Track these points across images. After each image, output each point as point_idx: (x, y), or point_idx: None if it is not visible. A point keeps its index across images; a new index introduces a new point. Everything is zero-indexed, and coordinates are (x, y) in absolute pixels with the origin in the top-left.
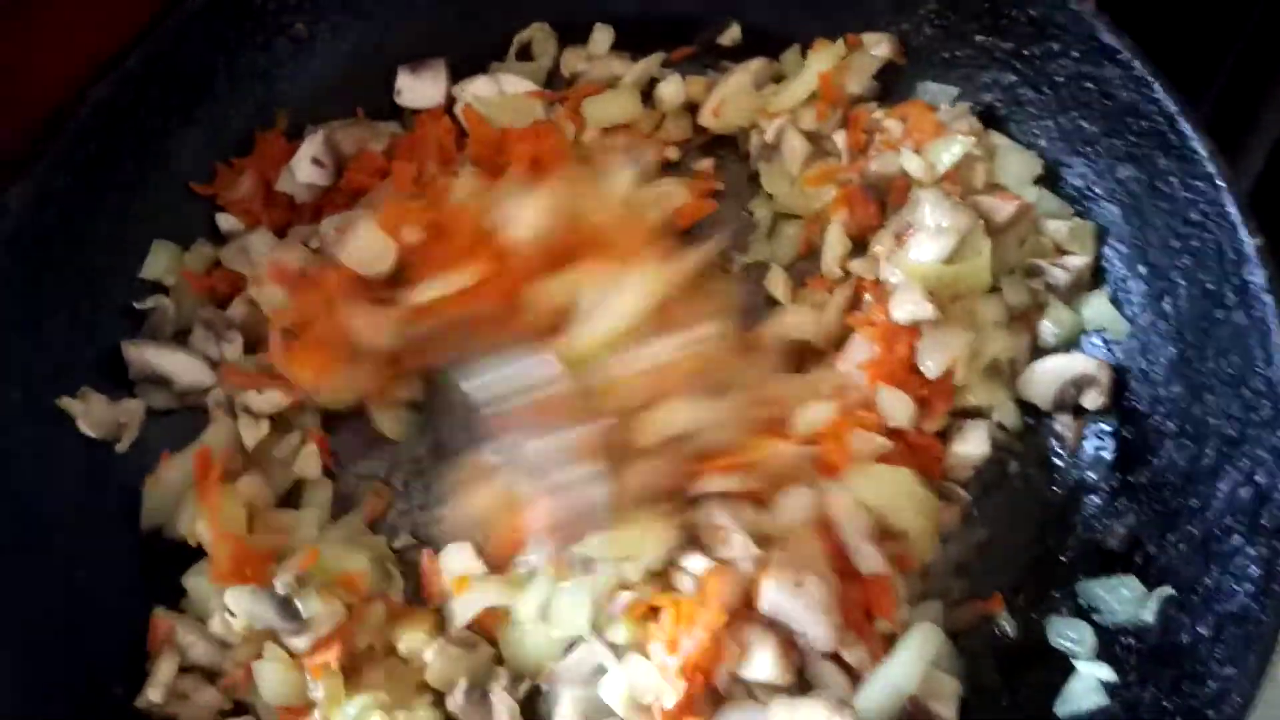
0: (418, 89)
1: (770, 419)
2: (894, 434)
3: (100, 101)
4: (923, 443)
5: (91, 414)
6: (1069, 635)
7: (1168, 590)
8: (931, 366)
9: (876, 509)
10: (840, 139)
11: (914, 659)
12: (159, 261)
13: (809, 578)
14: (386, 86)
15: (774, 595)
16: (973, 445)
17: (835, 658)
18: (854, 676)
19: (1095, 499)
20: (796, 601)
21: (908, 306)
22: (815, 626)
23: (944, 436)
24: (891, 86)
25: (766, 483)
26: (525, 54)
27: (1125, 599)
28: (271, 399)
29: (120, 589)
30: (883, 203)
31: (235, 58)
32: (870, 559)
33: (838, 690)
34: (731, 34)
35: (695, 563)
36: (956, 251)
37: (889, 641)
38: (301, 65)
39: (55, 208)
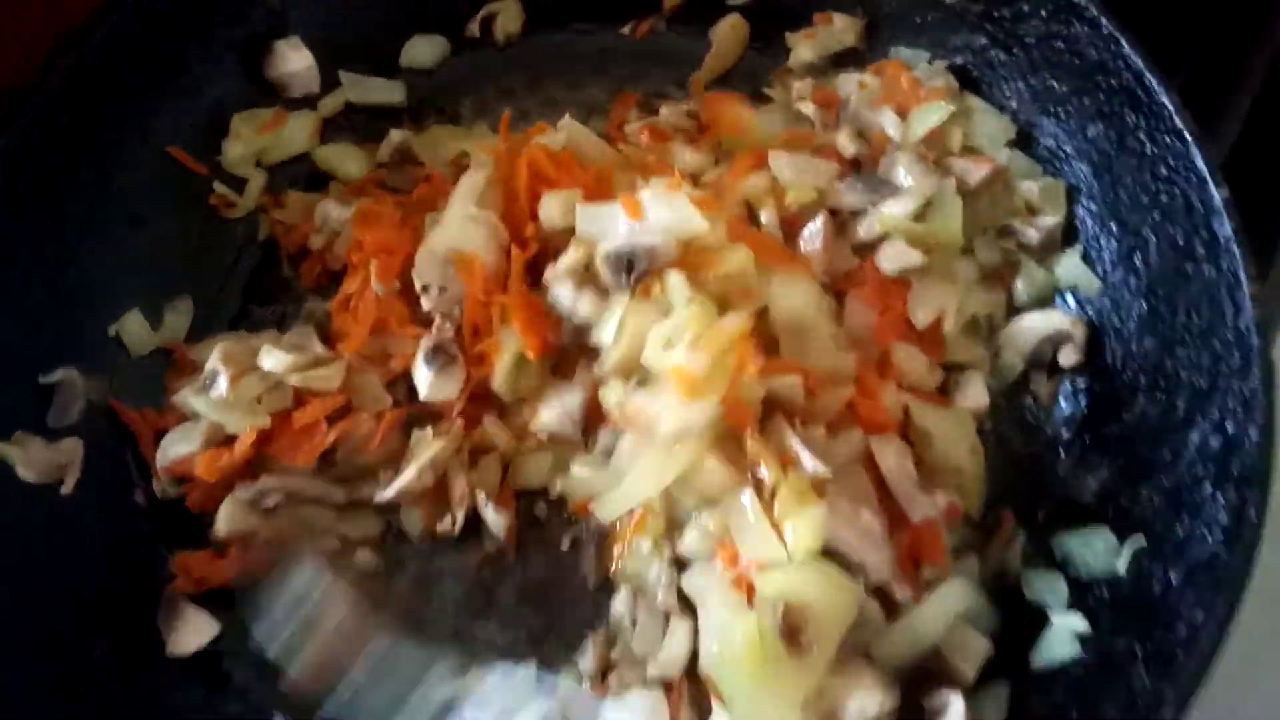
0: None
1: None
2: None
3: (71, 72)
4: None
5: (30, 457)
6: (1044, 588)
7: (1140, 541)
8: (921, 316)
9: (938, 447)
10: (810, 109)
11: (943, 610)
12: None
13: (865, 508)
14: (361, 54)
15: (833, 522)
16: (974, 397)
17: (880, 595)
18: (895, 616)
19: (1068, 455)
20: (855, 530)
21: (896, 257)
22: (872, 554)
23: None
24: (864, 54)
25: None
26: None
27: (1098, 551)
28: None
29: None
30: (857, 161)
31: (209, 28)
32: (921, 505)
33: (877, 626)
34: None
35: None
36: (929, 212)
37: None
38: (275, 35)
39: (26, 175)
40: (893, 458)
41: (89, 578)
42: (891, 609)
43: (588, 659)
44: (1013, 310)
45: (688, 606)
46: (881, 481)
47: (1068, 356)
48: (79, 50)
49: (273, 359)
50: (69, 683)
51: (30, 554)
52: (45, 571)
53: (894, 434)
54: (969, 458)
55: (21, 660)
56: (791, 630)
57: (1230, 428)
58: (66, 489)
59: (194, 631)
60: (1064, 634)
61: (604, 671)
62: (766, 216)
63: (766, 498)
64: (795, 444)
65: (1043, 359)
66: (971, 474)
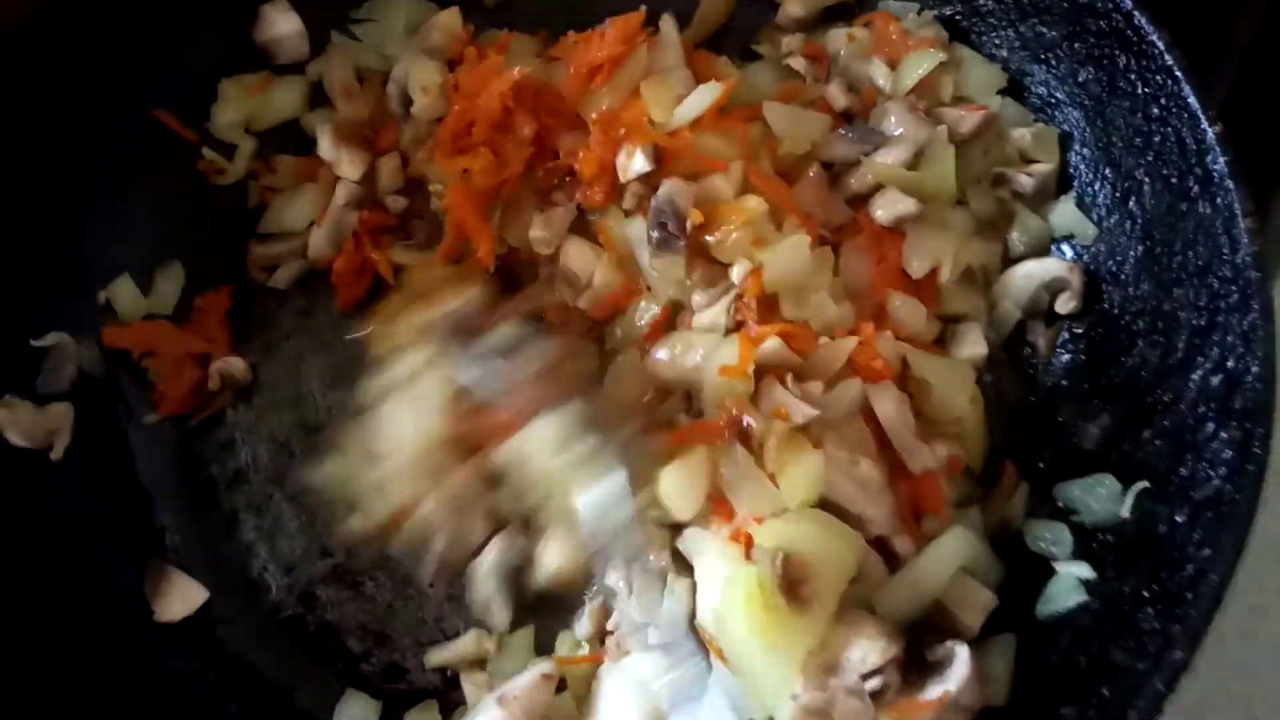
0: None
1: None
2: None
3: (57, 36)
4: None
5: (19, 422)
6: (1047, 537)
7: (1143, 484)
8: (917, 266)
9: (938, 397)
10: (800, 64)
11: (943, 561)
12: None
13: (864, 459)
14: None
15: (831, 473)
16: (970, 347)
17: (881, 547)
18: (896, 568)
19: (1069, 403)
20: (853, 480)
21: (889, 206)
22: (871, 506)
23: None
24: (853, 8)
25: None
26: None
27: (1102, 497)
28: None
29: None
30: (849, 114)
31: None
32: (921, 455)
33: (879, 578)
34: None
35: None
36: (921, 161)
37: None
38: None
39: (12, 139)
40: (891, 407)
41: (78, 544)
42: (892, 561)
43: (584, 624)
44: (1009, 261)
45: (684, 566)
46: (881, 433)
47: (1065, 303)
48: (62, 12)
49: None
50: (57, 650)
51: (18, 519)
52: (33, 537)
53: (891, 384)
54: (969, 408)
55: (8, 627)
56: (792, 583)
57: (1231, 364)
58: (56, 454)
59: (182, 598)
60: (1069, 582)
61: (601, 636)
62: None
63: (757, 449)
64: (782, 395)
65: (1040, 307)
66: (972, 424)
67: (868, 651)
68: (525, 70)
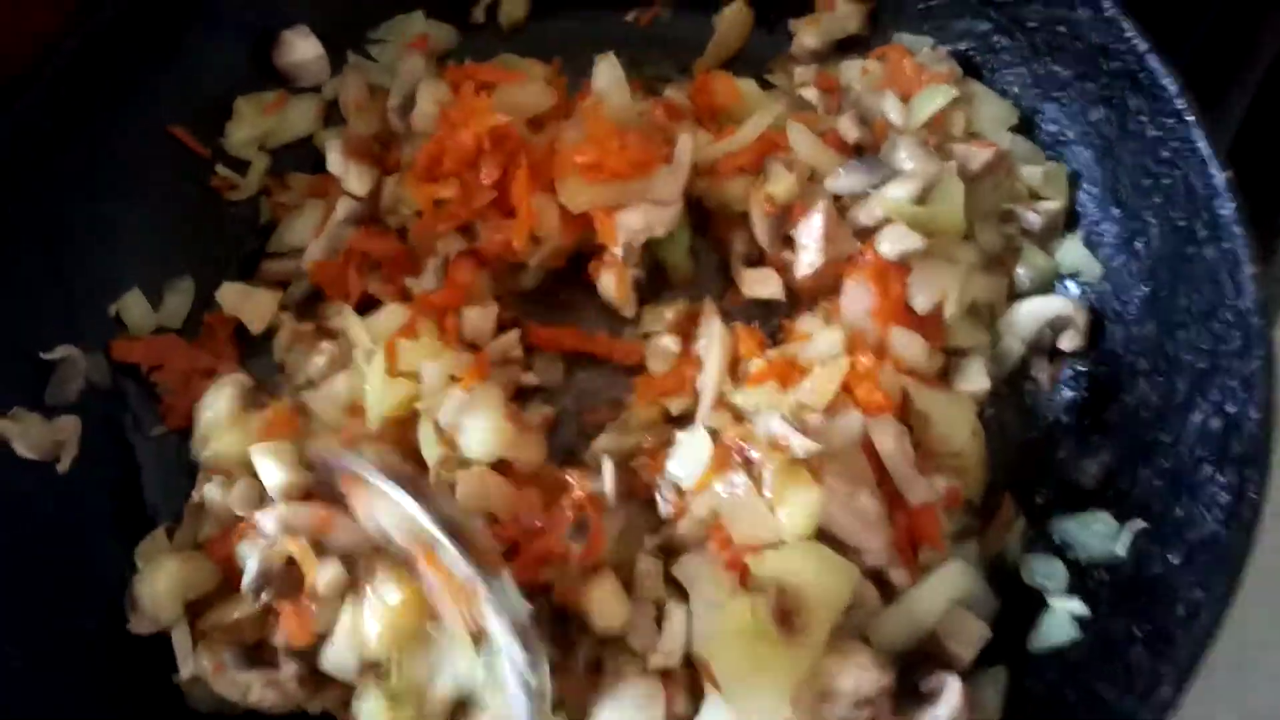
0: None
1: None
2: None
3: (75, 49)
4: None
5: (27, 433)
6: (1042, 572)
7: (1140, 523)
8: (922, 301)
9: (938, 430)
10: (813, 94)
11: (939, 594)
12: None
13: (863, 491)
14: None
15: (830, 505)
16: (974, 381)
17: (877, 578)
18: (892, 599)
19: (1069, 439)
20: (852, 513)
21: (895, 240)
22: (869, 539)
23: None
24: (867, 40)
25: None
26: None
27: (1098, 534)
28: None
29: (91, 529)
30: (860, 147)
31: (215, 7)
32: (919, 488)
33: (873, 609)
34: None
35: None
36: (930, 196)
37: None
38: (280, 16)
39: (31, 149)
40: (891, 440)
41: (84, 556)
42: (888, 592)
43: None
44: (1014, 296)
45: (679, 592)
46: (881, 465)
47: (1069, 341)
48: (83, 29)
49: None
50: (62, 660)
51: (25, 530)
52: (40, 548)
53: (891, 417)
54: (970, 441)
55: (14, 636)
56: (785, 613)
57: (1230, 408)
58: (63, 467)
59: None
60: (1062, 617)
61: (596, 663)
62: (756, 215)
63: (757, 479)
64: (781, 427)
65: (1044, 343)
66: (972, 458)
67: (860, 681)
68: (508, 120)
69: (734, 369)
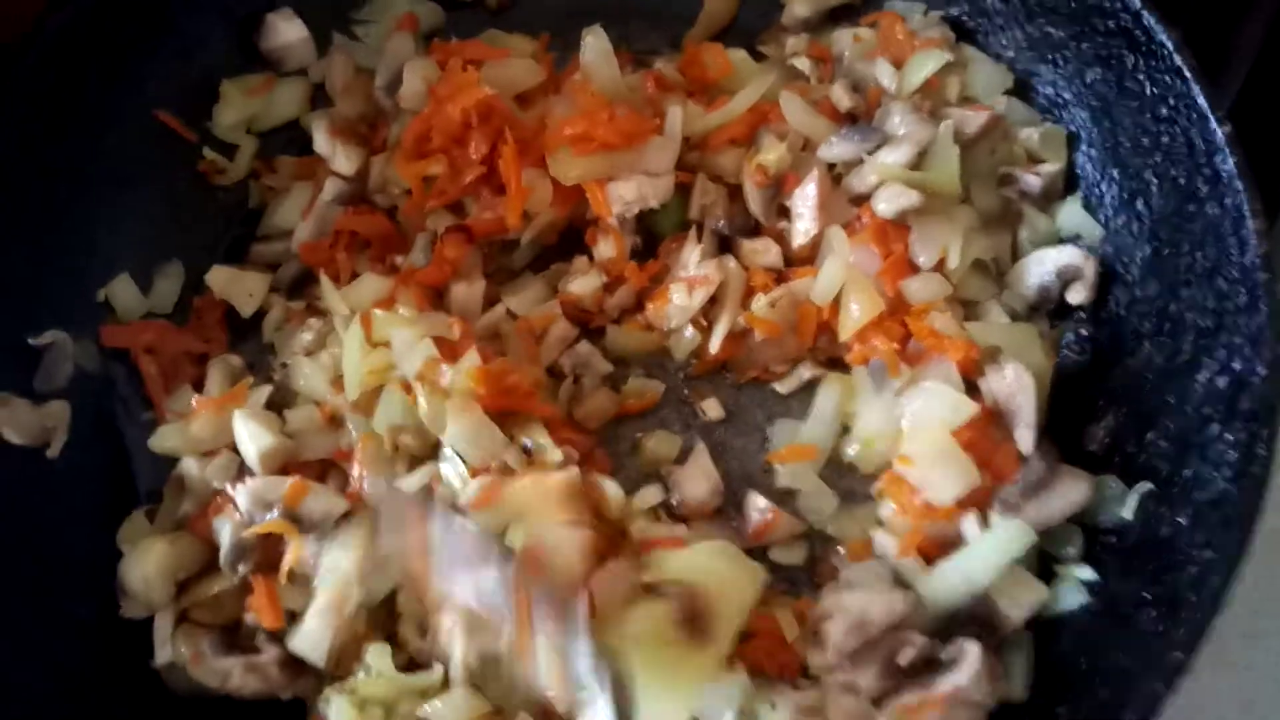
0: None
1: None
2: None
3: (60, 33)
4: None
5: (16, 419)
6: (1059, 538)
7: (1147, 486)
8: (925, 258)
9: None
10: (805, 64)
11: (997, 552)
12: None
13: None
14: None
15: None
16: (994, 318)
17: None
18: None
19: (1074, 404)
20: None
21: (891, 199)
22: (1026, 409)
23: None
24: (859, 9)
25: None
26: None
27: (1105, 499)
28: None
29: (80, 515)
30: (853, 115)
31: None
32: (1028, 441)
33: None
34: None
35: None
36: (924, 161)
37: None
38: (267, 5)
39: (16, 134)
40: (1008, 383)
41: (75, 542)
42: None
43: None
44: (1018, 258)
45: None
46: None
47: (1077, 294)
48: (66, 11)
49: None
50: (54, 647)
51: (15, 517)
52: (31, 535)
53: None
54: (1044, 364)
55: (5, 624)
56: (691, 616)
57: (1237, 365)
58: (53, 452)
59: None
60: (1072, 583)
61: None
62: (749, 186)
63: None
64: None
65: (1051, 296)
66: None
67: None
68: (494, 93)
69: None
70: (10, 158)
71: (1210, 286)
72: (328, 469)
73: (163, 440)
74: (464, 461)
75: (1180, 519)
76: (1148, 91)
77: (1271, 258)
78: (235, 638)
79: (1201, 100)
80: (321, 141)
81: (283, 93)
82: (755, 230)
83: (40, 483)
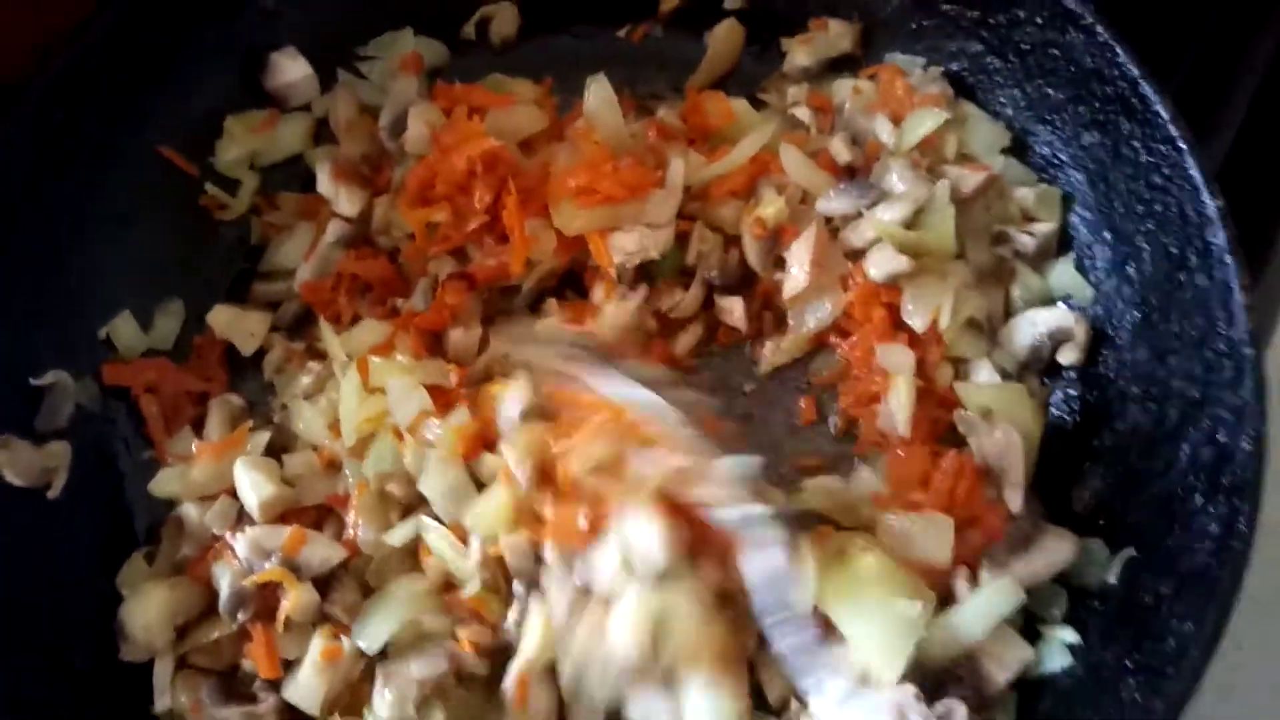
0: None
1: None
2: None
3: (63, 70)
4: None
5: (17, 461)
6: (1045, 599)
7: (1130, 552)
8: (918, 322)
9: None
10: (805, 114)
11: (990, 609)
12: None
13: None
14: (357, 56)
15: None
16: (985, 377)
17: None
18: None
19: (1060, 464)
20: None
21: (883, 264)
22: (1014, 469)
23: None
24: (860, 60)
25: None
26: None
27: (1090, 561)
28: None
29: (80, 553)
30: (851, 168)
31: (203, 28)
32: (1016, 500)
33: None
34: None
35: None
36: (921, 218)
37: None
38: (269, 36)
39: (16, 173)
40: (999, 445)
41: (74, 584)
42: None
43: None
44: (1010, 316)
45: None
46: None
47: (1068, 355)
48: (71, 48)
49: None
50: (51, 693)
51: (14, 559)
52: (29, 577)
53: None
54: (1033, 426)
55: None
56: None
57: (1222, 438)
58: (54, 493)
59: None
60: (1055, 645)
61: None
62: (747, 239)
63: None
64: None
65: (1042, 356)
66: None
67: None
68: (500, 144)
69: None
70: (13, 195)
71: (1198, 356)
72: (325, 515)
73: (163, 485)
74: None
75: (1162, 588)
76: (1142, 159)
77: (1259, 333)
78: (233, 684)
79: (1195, 172)
80: (325, 183)
81: (286, 128)
82: (750, 280)
83: (40, 524)
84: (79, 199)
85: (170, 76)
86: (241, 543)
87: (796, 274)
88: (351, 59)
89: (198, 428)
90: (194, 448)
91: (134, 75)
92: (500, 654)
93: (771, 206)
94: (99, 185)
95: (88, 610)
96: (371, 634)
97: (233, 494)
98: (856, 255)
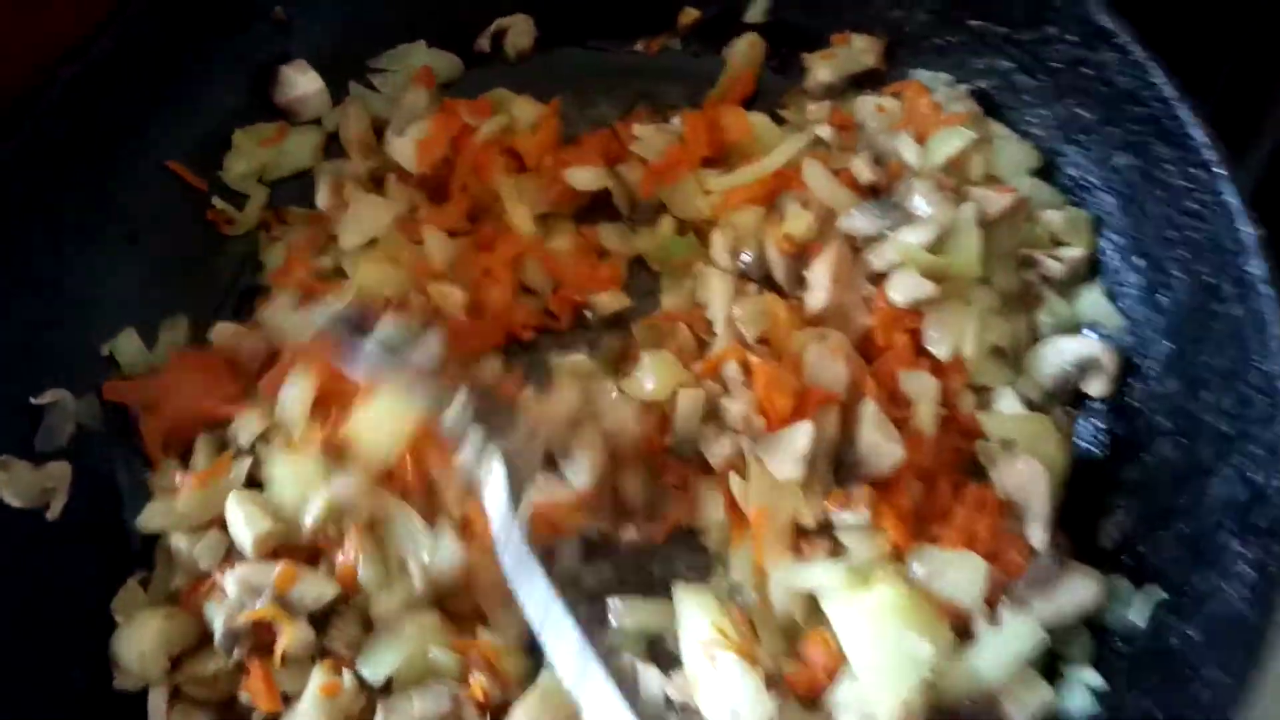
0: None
1: None
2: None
3: (71, 82)
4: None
5: (16, 482)
6: (1068, 639)
7: (1158, 592)
8: (942, 350)
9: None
10: (827, 131)
11: (1011, 649)
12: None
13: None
14: (369, 69)
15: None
16: (1008, 405)
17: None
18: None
19: (1086, 497)
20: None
21: (906, 289)
22: (1038, 503)
23: None
24: (883, 75)
25: None
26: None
27: (1114, 600)
28: None
29: (78, 575)
30: (874, 188)
31: (211, 40)
32: (1040, 536)
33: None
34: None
35: None
36: (945, 244)
37: None
38: (279, 48)
39: (23, 187)
40: (1027, 478)
41: (73, 605)
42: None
43: None
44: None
45: None
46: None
47: (1097, 386)
48: (79, 62)
49: None
50: (49, 714)
51: (12, 580)
52: (27, 598)
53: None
54: (1059, 457)
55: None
56: None
57: (1256, 477)
58: (53, 514)
59: None
60: (1078, 688)
61: None
62: (771, 253)
63: None
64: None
65: (1068, 386)
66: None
67: None
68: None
69: None
70: (17, 208)
71: (1230, 391)
72: (319, 551)
73: (150, 520)
74: None
75: (1190, 631)
76: (1176, 183)
77: None
78: (231, 715)
79: (1231, 199)
80: (325, 199)
81: (295, 142)
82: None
83: (38, 544)
84: (86, 213)
85: (179, 90)
86: (231, 581)
87: (818, 290)
88: (364, 71)
89: (184, 455)
90: (177, 481)
91: (142, 88)
92: (502, 711)
93: (799, 222)
94: (106, 200)
95: (86, 631)
96: (377, 662)
97: (222, 527)
98: (878, 278)
